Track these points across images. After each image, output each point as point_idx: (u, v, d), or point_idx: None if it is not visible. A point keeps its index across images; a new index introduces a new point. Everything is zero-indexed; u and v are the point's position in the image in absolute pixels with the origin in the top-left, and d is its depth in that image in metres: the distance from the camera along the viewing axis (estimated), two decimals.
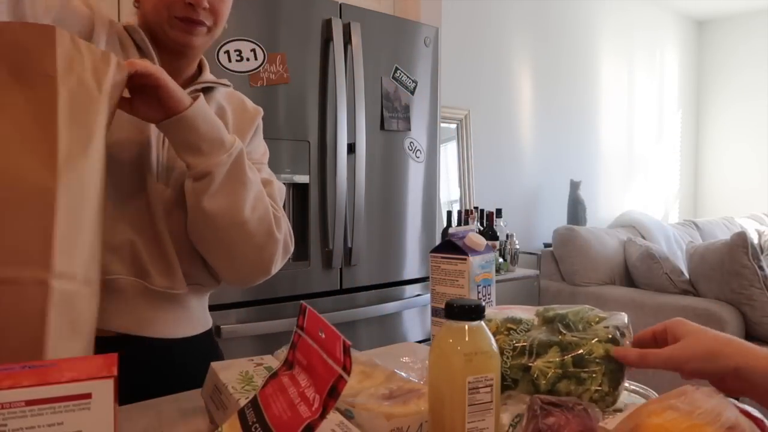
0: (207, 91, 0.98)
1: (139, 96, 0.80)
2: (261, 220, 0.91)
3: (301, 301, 0.65)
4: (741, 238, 2.65)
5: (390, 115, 2.01)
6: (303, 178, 1.81)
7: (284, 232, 0.97)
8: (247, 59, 1.67)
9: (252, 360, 0.79)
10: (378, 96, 1.98)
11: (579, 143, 4.12)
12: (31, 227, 0.62)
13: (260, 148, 1.09)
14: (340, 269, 1.92)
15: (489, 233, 2.83)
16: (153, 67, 0.78)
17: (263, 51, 1.70)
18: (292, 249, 1.01)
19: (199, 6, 0.86)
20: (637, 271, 3.13)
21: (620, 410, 0.72)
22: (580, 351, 0.70)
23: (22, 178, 0.63)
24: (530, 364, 0.70)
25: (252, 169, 0.91)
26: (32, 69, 0.66)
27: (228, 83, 1.03)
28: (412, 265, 2.13)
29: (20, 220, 0.62)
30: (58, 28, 0.67)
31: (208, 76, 0.99)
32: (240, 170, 0.88)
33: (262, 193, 0.93)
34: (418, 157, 2.12)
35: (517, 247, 3.01)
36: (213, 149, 0.85)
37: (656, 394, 0.67)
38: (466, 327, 0.59)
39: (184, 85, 0.93)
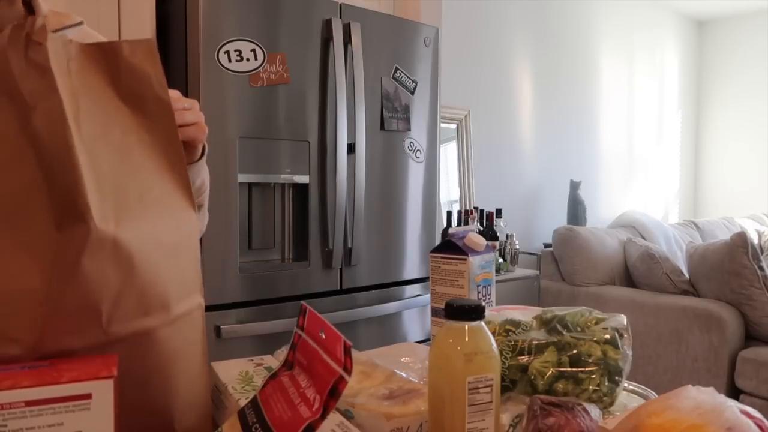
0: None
1: None
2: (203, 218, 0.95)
3: (302, 302, 0.65)
4: (741, 238, 2.65)
5: (390, 115, 2.01)
6: (303, 178, 1.81)
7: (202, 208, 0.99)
8: (247, 59, 1.67)
9: (252, 360, 0.79)
10: (378, 96, 1.98)
11: (579, 143, 4.12)
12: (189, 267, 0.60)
13: None
14: (340, 269, 1.92)
15: (489, 233, 2.83)
16: (202, 123, 0.75)
17: (263, 51, 1.70)
18: None
19: None
20: (637, 271, 3.13)
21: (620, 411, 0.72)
22: (576, 351, 0.70)
23: (186, 221, 0.61)
24: (527, 364, 0.70)
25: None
26: (145, 94, 0.59)
27: (79, 19, 0.79)
28: (412, 265, 2.13)
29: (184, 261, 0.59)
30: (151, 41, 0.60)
31: (41, 14, 0.72)
32: (205, 193, 0.92)
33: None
34: (418, 157, 2.12)
35: (517, 247, 3.01)
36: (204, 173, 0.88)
37: (656, 394, 0.67)
38: (466, 327, 0.59)
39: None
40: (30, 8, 0.73)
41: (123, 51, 0.59)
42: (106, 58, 0.58)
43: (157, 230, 0.57)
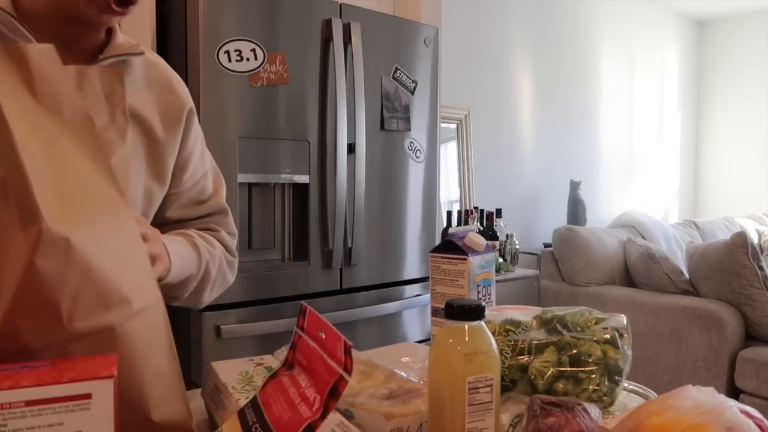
0: (121, 64, 0.82)
1: None
2: (219, 288, 0.98)
3: (302, 302, 0.65)
4: (741, 238, 2.65)
5: (390, 115, 2.01)
6: (303, 178, 1.81)
7: (236, 261, 1.03)
8: (247, 59, 1.67)
9: (252, 360, 0.79)
10: (378, 96, 1.98)
11: (579, 143, 4.12)
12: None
13: (196, 150, 0.94)
14: (340, 269, 1.92)
15: (489, 233, 2.83)
16: (157, 246, 0.73)
17: (263, 51, 1.70)
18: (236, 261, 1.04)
19: None
20: (637, 271, 3.13)
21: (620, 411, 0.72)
22: (576, 351, 0.70)
23: (127, 218, 0.62)
24: (527, 364, 0.70)
25: (214, 263, 0.93)
26: (60, 97, 0.60)
27: (142, 50, 0.84)
28: (412, 265, 2.13)
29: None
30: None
31: (119, 42, 0.82)
32: (205, 279, 0.92)
33: (222, 267, 0.96)
34: (418, 157, 2.12)
35: (517, 247, 3.01)
36: (182, 286, 0.87)
37: (656, 394, 0.67)
38: (466, 327, 0.59)
39: (90, 56, 0.79)
40: (109, 35, 0.81)
41: (30, 55, 0.59)
42: (15, 61, 0.58)
43: (106, 228, 0.58)
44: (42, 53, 0.59)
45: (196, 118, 0.93)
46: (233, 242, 1.02)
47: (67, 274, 0.53)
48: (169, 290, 0.83)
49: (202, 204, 0.96)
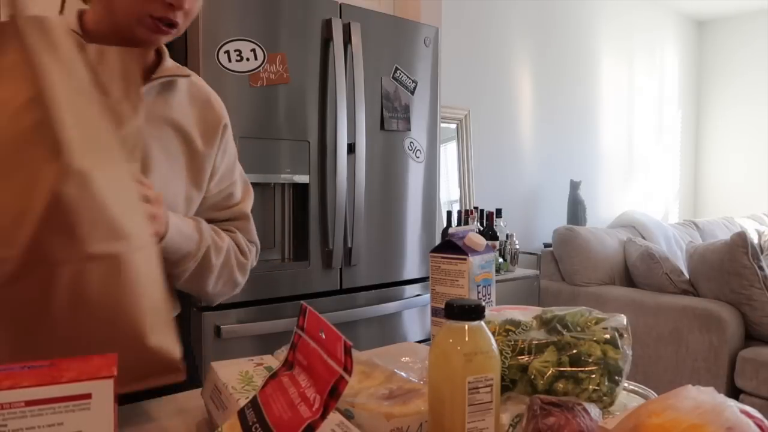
0: (169, 83, 0.92)
1: None
2: (225, 284, 1.00)
3: (302, 302, 0.65)
4: (741, 238, 2.65)
5: (390, 115, 2.01)
6: (303, 178, 1.81)
7: (250, 264, 1.05)
8: (247, 59, 1.67)
9: (252, 360, 0.79)
10: (378, 96, 1.98)
11: (579, 143, 4.12)
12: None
13: (230, 162, 1.03)
14: (340, 269, 1.92)
15: (489, 233, 2.83)
16: (157, 208, 0.80)
17: (263, 51, 1.70)
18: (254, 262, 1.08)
19: (180, 8, 0.82)
20: (637, 271, 3.13)
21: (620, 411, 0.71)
22: (576, 351, 0.70)
23: (128, 169, 0.76)
24: (527, 364, 0.70)
25: (218, 253, 0.95)
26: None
27: (188, 73, 0.96)
28: (412, 265, 2.13)
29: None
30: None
31: (167, 65, 0.92)
32: (206, 265, 0.94)
33: (228, 262, 0.98)
34: (418, 157, 2.12)
35: (517, 247, 3.01)
36: (180, 262, 0.90)
37: (656, 394, 0.67)
38: (466, 327, 0.59)
39: (144, 76, 0.87)
40: (159, 56, 0.92)
41: (55, 26, 0.70)
42: (44, 30, 0.68)
43: (114, 175, 0.69)
44: (66, 30, 0.71)
45: (230, 132, 1.03)
46: (250, 248, 1.06)
47: (85, 203, 0.64)
48: (168, 266, 0.86)
49: (227, 209, 1.04)
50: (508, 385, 0.71)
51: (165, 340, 0.71)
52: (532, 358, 0.71)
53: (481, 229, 2.85)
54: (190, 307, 1.67)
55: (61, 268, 0.63)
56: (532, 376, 0.70)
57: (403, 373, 0.74)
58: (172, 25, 0.84)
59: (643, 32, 4.62)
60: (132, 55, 0.80)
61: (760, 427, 0.51)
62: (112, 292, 0.66)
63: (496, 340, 0.61)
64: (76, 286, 0.64)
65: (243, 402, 0.63)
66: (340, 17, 1.86)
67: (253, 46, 1.68)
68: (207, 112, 0.97)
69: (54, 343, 0.65)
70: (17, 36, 0.65)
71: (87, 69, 0.71)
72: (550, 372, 0.69)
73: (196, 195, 0.96)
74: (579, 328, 0.74)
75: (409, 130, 2.08)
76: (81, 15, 0.88)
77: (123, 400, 0.69)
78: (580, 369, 0.69)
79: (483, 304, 0.61)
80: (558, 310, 0.78)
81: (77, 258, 0.64)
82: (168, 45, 1.65)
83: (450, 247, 0.88)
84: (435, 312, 0.89)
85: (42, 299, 0.63)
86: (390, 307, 2.02)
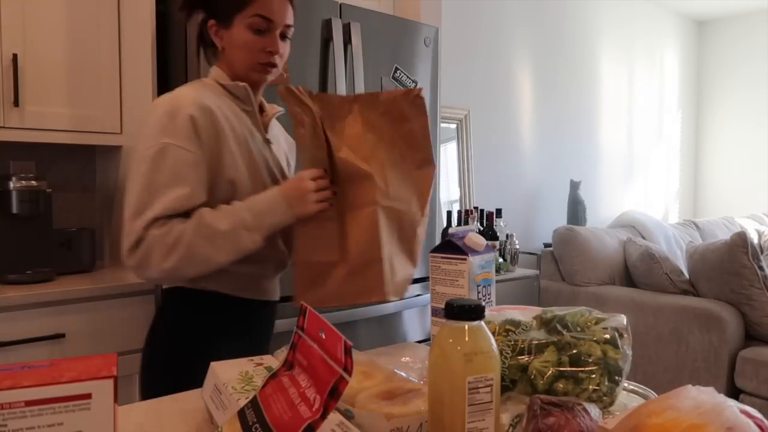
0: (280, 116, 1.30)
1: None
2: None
3: (302, 302, 0.65)
4: (741, 238, 2.65)
5: None
6: None
7: None
8: None
9: (252, 360, 0.79)
10: None
11: (579, 143, 4.12)
12: None
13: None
14: None
15: (489, 233, 2.83)
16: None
17: None
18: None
19: (277, 54, 1.17)
20: (637, 271, 3.13)
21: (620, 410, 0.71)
22: (576, 351, 0.70)
23: None
24: (527, 364, 0.70)
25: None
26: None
27: (281, 110, 1.29)
28: None
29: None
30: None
31: (266, 103, 1.29)
32: None
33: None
34: None
35: (517, 247, 3.01)
36: None
37: (656, 394, 0.67)
38: (466, 327, 0.59)
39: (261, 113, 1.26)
40: (261, 108, 1.27)
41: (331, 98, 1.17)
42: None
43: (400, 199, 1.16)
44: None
45: None
46: None
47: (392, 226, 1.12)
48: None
49: None
50: (508, 385, 0.71)
51: (407, 273, 1.16)
52: (532, 358, 0.71)
53: (481, 229, 2.85)
54: None
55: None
56: (532, 376, 0.70)
57: (403, 373, 0.74)
58: (274, 65, 1.18)
59: (643, 32, 4.62)
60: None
61: (760, 427, 0.51)
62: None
63: (496, 340, 0.61)
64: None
65: (243, 402, 0.63)
66: (340, 17, 1.86)
67: None
68: (285, 135, 1.39)
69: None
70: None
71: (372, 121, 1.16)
72: (550, 372, 0.69)
73: None
74: (579, 328, 0.74)
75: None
76: (216, 73, 1.21)
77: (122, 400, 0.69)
78: (580, 369, 0.69)
79: (483, 304, 0.61)
80: (558, 310, 0.78)
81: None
82: (168, 45, 1.67)
83: (450, 247, 0.88)
84: (435, 312, 0.89)
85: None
86: (390, 307, 2.02)
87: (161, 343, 1.17)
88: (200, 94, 1.10)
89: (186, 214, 1.04)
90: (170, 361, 1.14)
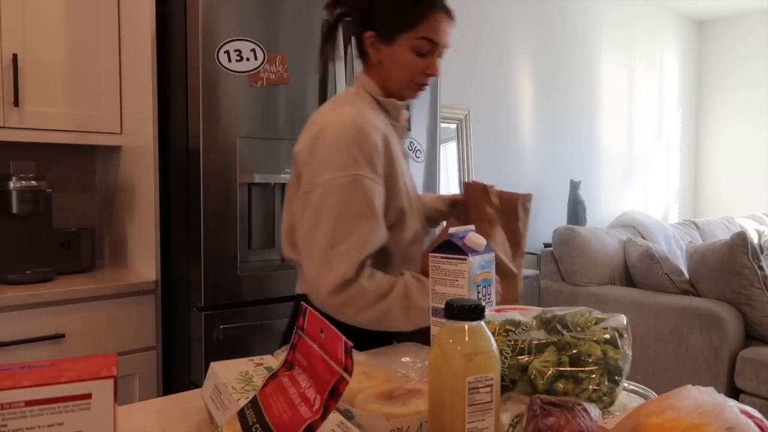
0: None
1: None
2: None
3: (302, 302, 0.65)
4: (741, 238, 2.65)
5: None
6: None
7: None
8: (247, 59, 1.67)
9: (252, 360, 0.79)
10: None
11: (579, 143, 4.12)
12: None
13: None
14: None
15: None
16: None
17: (263, 51, 1.70)
18: None
19: (433, 75, 1.16)
20: (637, 271, 3.13)
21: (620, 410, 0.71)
22: (576, 351, 0.70)
23: None
24: (527, 364, 0.70)
25: None
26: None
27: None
28: None
29: None
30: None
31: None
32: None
33: None
34: (418, 157, 2.12)
35: None
36: None
37: (656, 394, 0.67)
38: (466, 327, 0.59)
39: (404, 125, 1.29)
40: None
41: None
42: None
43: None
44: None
45: None
46: None
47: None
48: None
49: None
50: (508, 385, 0.71)
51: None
52: (532, 358, 0.71)
53: None
54: (190, 307, 1.67)
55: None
56: (532, 376, 0.70)
57: (403, 373, 0.74)
58: (427, 85, 1.18)
59: (643, 32, 4.62)
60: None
61: (760, 427, 0.51)
62: None
63: (496, 340, 0.61)
64: None
65: (243, 402, 0.63)
66: None
67: (253, 46, 1.68)
68: None
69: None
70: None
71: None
72: (550, 372, 0.69)
73: None
74: (579, 328, 0.74)
75: (410, 130, 2.08)
76: (367, 84, 1.19)
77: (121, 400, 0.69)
78: (580, 369, 0.69)
79: (483, 304, 0.61)
80: (558, 310, 0.78)
81: None
82: (168, 46, 1.66)
83: (450, 247, 0.88)
84: (435, 312, 0.89)
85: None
86: None
87: None
88: (370, 115, 1.09)
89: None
90: None
